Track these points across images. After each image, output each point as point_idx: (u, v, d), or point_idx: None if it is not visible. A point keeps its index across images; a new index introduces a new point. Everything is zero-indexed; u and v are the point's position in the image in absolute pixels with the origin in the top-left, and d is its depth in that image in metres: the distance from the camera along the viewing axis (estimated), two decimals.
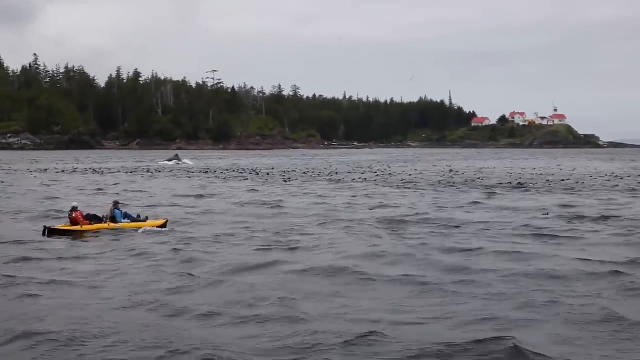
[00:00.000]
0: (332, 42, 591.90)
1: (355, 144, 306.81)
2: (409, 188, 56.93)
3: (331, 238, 26.81)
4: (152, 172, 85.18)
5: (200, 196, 47.86)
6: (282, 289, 17.56)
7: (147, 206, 39.69)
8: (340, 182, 64.78)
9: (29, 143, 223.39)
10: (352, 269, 19.94)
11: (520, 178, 71.23)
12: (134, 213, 31.75)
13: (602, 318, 14.47)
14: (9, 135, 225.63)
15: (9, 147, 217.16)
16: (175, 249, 24.14)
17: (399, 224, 30.81)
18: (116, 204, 30.82)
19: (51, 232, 28.13)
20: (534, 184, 61.14)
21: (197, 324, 14.34)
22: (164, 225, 30.41)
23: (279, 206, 40.20)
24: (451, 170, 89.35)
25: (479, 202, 42.40)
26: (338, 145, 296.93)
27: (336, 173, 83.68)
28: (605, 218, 33.22)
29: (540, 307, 15.52)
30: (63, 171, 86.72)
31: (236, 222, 32.27)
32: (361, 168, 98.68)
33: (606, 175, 77.11)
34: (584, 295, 16.56)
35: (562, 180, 67.66)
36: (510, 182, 64.13)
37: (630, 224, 30.67)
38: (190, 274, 19.39)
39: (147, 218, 31.02)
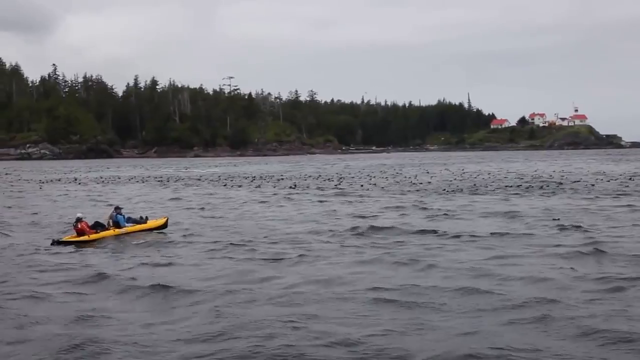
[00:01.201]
0: (349, 46, 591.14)
1: (374, 148, 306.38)
2: (413, 193, 56.38)
3: (314, 250, 26.35)
4: (161, 182, 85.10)
5: (191, 208, 46.92)
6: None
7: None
8: (343, 189, 64.04)
9: (47, 153, 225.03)
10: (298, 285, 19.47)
11: (530, 180, 70.61)
12: (136, 215, 32.44)
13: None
14: (28, 145, 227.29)
15: (28, 157, 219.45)
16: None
17: (386, 234, 30.25)
18: (117, 209, 31.09)
19: (59, 245, 28.23)
20: (541, 187, 60.55)
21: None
22: (164, 225, 31.51)
23: (271, 216, 39.71)
24: (462, 174, 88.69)
25: (475, 208, 41.87)
26: (356, 150, 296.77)
27: (343, 178, 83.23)
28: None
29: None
30: (75, 179, 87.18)
31: (218, 233, 31.57)
32: (372, 172, 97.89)
33: (619, 177, 76.42)
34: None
35: (573, 182, 67.03)
36: (519, 185, 63.54)
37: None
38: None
39: (147, 218, 31.82)
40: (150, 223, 31.18)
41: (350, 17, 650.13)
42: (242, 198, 54.39)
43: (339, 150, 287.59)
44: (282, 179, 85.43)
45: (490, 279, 19.63)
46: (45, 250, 27.19)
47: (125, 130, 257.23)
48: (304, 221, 36.01)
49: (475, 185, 65.88)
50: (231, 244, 27.53)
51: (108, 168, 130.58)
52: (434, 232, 30.28)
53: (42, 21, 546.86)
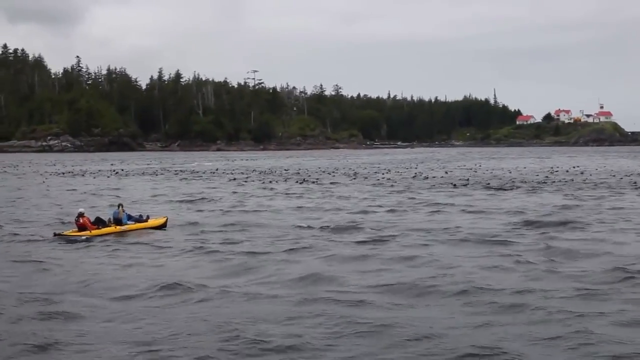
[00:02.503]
0: (376, 41, 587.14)
1: (399, 143, 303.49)
2: (418, 188, 55.29)
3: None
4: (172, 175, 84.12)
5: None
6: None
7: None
8: (357, 182, 63.41)
9: (69, 145, 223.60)
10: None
11: (543, 176, 69.17)
12: (136, 214, 32.35)
13: None
14: (49, 137, 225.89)
15: (49, 149, 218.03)
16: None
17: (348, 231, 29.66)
18: (120, 206, 31.34)
19: (61, 238, 28.65)
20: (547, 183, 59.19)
21: None
22: (164, 224, 31.51)
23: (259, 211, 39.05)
24: (477, 170, 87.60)
25: (471, 204, 40.74)
26: (380, 145, 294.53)
27: (358, 173, 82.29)
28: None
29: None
30: (87, 173, 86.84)
31: (213, 230, 31.12)
32: (388, 167, 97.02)
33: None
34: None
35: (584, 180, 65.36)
36: (525, 182, 62.01)
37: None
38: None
39: (148, 217, 31.80)
40: (151, 222, 31.30)
41: (378, 11, 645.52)
42: (247, 193, 53.35)
43: (364, 145, 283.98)
44: (298, 172, 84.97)
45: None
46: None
47: (148, 124, 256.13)
48: (297, 217, 35.47)
49: (487, 181, 64.50)
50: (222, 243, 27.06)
51: (121, 162, 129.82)
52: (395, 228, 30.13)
53: (68, 12, 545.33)
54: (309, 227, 31.07)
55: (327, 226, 31.16)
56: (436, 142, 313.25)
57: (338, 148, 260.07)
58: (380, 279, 19.26)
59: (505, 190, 52.89)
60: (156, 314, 15.86)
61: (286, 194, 52.06)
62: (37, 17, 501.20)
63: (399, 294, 17.57)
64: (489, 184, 60.62)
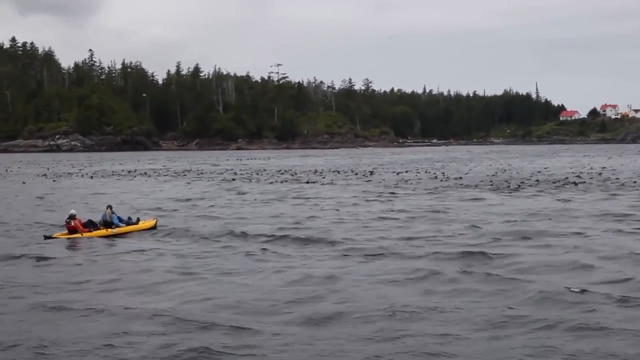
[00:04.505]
0: (411, 32, 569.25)
1: (434, 141, 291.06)
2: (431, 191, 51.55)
3: None
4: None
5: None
6: None
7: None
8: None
9: (78, 144, 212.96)
10: None
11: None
12: (125, 216, 32.22)
13: None
14: (57, 136, 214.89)
15: (57, 149, 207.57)
16: None
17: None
18: (110, 208, 31.08)
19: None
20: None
21: None
22: (154, 226, 31.73)
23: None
24: (501, 171, 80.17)
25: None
26: (413, 142, 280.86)
27: (373, 173, 78.85)
28: None
29: None
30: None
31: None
32: (408, 168, 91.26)
33: None
34: None
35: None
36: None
37: None
38: None
39: (138, 220, 32.01)
40: (141, 224, 31.61)
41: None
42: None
43: (395, 143, 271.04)
44: (315, 172, 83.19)
45: None
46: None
47: (164, 121, 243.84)
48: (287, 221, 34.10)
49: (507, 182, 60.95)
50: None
51: (119, 164, 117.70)
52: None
53: (82, 2, 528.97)
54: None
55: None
56: (474, 140, 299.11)
57: (367, 146, 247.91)
58: None
59: None
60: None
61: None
62: (49, 8, 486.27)
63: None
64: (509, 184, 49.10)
